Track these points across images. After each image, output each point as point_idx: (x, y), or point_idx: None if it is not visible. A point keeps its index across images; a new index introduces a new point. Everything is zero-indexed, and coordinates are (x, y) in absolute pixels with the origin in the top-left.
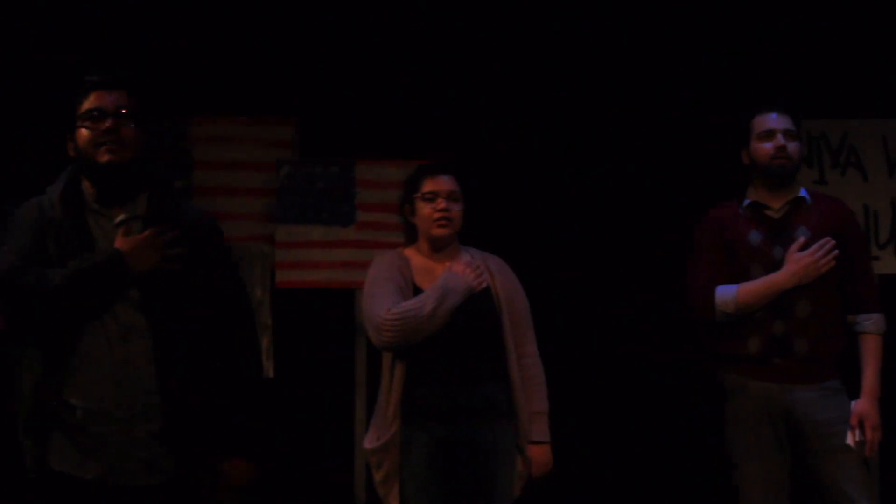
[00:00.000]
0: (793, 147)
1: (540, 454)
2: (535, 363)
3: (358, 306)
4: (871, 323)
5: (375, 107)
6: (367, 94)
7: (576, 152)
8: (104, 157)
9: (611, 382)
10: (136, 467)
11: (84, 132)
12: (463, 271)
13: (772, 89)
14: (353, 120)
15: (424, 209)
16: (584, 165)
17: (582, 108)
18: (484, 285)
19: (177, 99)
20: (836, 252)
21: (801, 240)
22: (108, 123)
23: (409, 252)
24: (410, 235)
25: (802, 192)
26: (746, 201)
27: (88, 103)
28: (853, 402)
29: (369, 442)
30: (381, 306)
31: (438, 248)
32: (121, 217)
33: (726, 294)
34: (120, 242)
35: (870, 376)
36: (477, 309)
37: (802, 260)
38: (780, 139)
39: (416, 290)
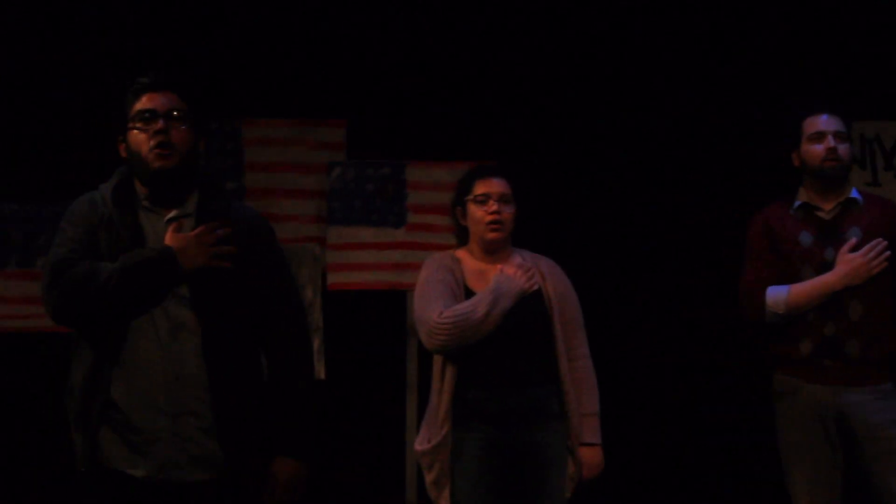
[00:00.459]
0: (843, 149)
1: (591, 456)
2: (586, 365)
3: (409, 308)
4: None
5: (426, 108)
6: (419, 95)
7: (627, 154)
8: (156, 163)
9: (662, 384)
10: (185, 463)
11: (136, 133)
12: (515, 274)
13: (823, 91)
14: (404, 122)
15: (476, 212)
16: (635, 167)
17: (633, 111)
18: (535, 287)
19: (229, 101)
20: (888, 253)
21: (853, 241)
22: (159, 125)
23: (461, 254)
24: (462, 237)
25: (854, 194)
26: (797, 203)
27: (140, 105)
28: None
29: (420, 444)
30: (434, 309)
31: (490, 250)
32: (172, 214)
33: (777, 295)
34: (170, 239)
35: None
36: (529, 311)
37: (854, 261)
38: (830, 141)
39: (468, 293)
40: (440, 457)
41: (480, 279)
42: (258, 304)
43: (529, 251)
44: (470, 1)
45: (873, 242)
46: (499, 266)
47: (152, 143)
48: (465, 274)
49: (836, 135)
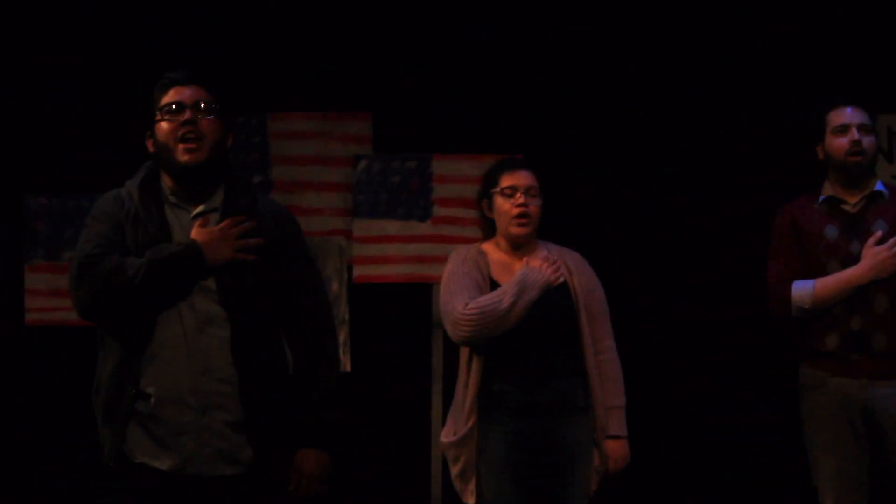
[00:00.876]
0: (868, 142)
1: (617, 449)
2: (612, 358)
3: (434, 301)
4: None
5: (452, 101)
6: (445, 88)
7: (652, 147)
8: (183, 157)
9: (688, 377)
10: (212, 457)
11: (163, 125)
12: (541, 266)
13: (848, 83)
14: (430, 115)
15: (503, 204)
16: (660, 160)
17: (658, 104)
18: (561, 280)
19: (255, 95)
20: None
21: (878, 234)
22: (186, 115)
23: (487, 247)
24: (488, 230)
25: (879, 187)
26: (822, 196)
27: (167, 98)
28: None
29: (446, 436)
30: (459, 301)
31: (516, 244)
32: (198, 209)
33: (802, 289)
34: (196, 234)
35: None
36: (554, 304)
37: (880, 254)
38: (854, 134)
39: (494, 285)
40: (466, 449)
41: (506, 272)
42: (284, 298)
43: (555, 244)
44: None
45: None
46: (525, 259)
47: (180, 133)
48: (490, 267)
49: (861, 127)
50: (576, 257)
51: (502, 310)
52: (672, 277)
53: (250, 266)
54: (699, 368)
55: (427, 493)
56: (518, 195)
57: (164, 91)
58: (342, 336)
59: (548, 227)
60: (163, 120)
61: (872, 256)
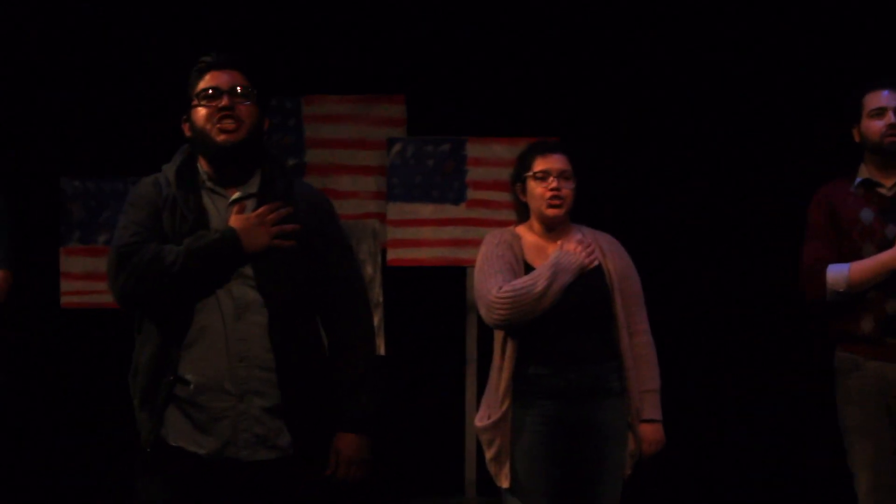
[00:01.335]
0: None
1: (651, 432)
2: (646, 341)
3: (469, 284)
4: None
5: (487, 84)
6: (478, 71)
7: (686, 130)
8: (220, 137)
9: (722, 361)
10: (250, 442)
11: (200, 111)
12: (575, 249)
13: (885, 66)
14: (465, 97)
15: (536, 188)
16: (694, 143)
17: (692, 86)
18: (595, 263)
19: (289, 78)
20: None
21: None
22: (223, 101)
23: (521, 230)
24: (521, 214)
25: None
26: (858, 179)
27: (204, 83)
28: None
29: (480, 420)
30: (493, 284)
31: (550, 227)
32: (235, 195)
33: (837, 273)
34: (234, 220)
35: None
36: (588, 287)
37: None
38: (891, 116)
39: (528, 269)
40: (500, 433)
41: (540, 255)
42: (320, 283)
43: (589, 227)
44: None
45: None
46: (559, 242)
47: (216, 118)
48: (524, 250)
49: None
50: (610, 240)
51: (536, 293)
52: (706, 260)
53: (287, 252)
54: (734, 352)
55: (461, 477)
56: (551, 179)
57: (201, 76)
58: (376, 319)
59: (582, 210)
60: (199, 105)
61: None
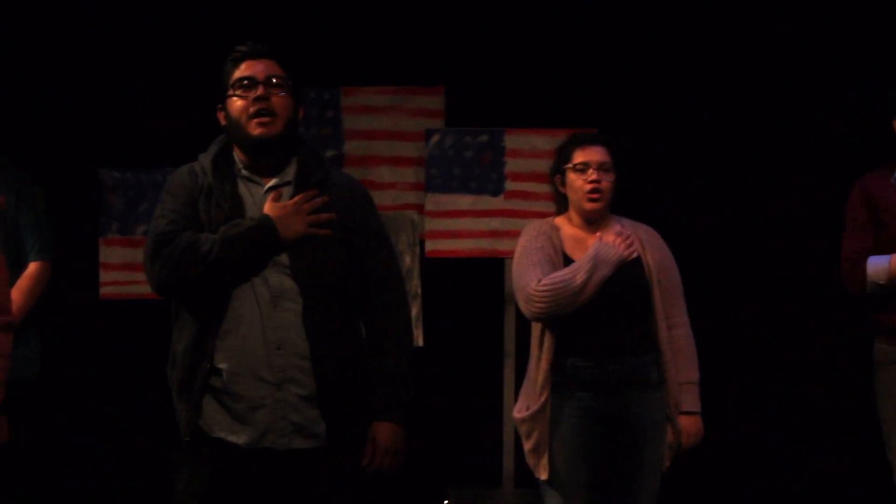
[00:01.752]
0: None
1: (690, 424)
2: (685, 333)
3: (507, 276)
4: None
5: (525, 75)
6: (517, 62)
7: (726, 122)
8: (256, 131)
9: (761, 353)
10: (287, 431)
11: (235, 101)
12: (614, 241)
13: None
14: (503, 89)
15: (576, 180)
16: (733, 135)
17: (731, 77)
18: (635, 255)
19: (327, 69)
20: None
21: None
22: (259, 91)
23: (560, 222)
24: (561, 205)
25: None
26: None
27: (239, 72)
28: None
29: (519, 411)
30: (532, 277)
31: (589, 219)
32: (271, 183)
33: (878, 265)
34: (269, 209)
35: None
36: (628, 279)
37: None
38: None
39: (567, 261)
40: (538, 424)
41: (579, 247)
42: (357, 272)
43: (629, 219)
44: None
45: None
46: (598, 234)
47: (252, 109)
48: (563, 242)
49: None
50: (649, 232)
51: (575, 286)
52: (745, 253)
53: (323, 240)
54: (772, 344)
55: (499, 468)
56: (591, 171)
57: (236, 65)
58: (414, 311)
59: (622, 202)
60: (234, 95)
61: None
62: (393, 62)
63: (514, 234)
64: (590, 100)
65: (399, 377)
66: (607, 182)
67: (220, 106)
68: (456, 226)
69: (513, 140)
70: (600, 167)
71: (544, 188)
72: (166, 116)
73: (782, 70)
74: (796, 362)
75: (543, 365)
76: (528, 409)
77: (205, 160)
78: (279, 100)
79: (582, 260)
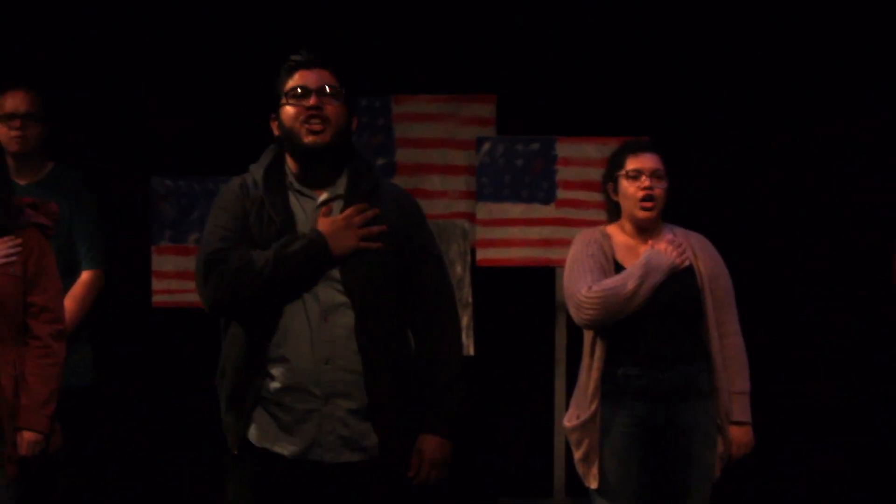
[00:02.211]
0: None
1: (741, 435)
2: (737, 343)
3: (558, 284)
4: None
5: (577, 83)
6: (569, 70)
7: (781, 128)
8: (308, 139)
9: (813, 361)
10: (336, 444)
11: (289, 109)
12: (666, 249)
13: None
14: (554, 96)
15: (628, 188)
16: (790, 141)
17: (788, 83)
18: (687, 263)
19: (379, 77)
20: None
21: None
22: (312, 101)
23: (612, 230)
24: (612, 213)
25: None
26: None
27: (293, 82)
28: None
29: (569, 420)
30: (583, 284)
31: (641, 227)
32: (323, 197)
33: None
34: (321, 224)
35: None
36: (679, 287)
37: None
38: None
39: (618, 269)
40: (589, 433)
41: (631, 255)
42: (407, 284)
43: (681, 227)
44: None
45: None
46: (649, 242)
47: (304, 118)
48: (615, 250)
49: None
50: (701, 240)
51: (626, 293)
52: (798, 260)
53: (373, 253)
54: (825, 353)
55: (550, 477)
56: (643, 178)
57: (290, 74)
58: (465, 319)
59: (674, 209)
60: (288, 104)
61: None
62: (444, 70)
63: (566, 243)
64: (642, 107)
65: (448, 390)
66: (660, 189)
67: (273, 115)
68: (507, 234)
69: (564, 148)
70: (653, 174)
71: (596, 196)
72: (218, 124)
73: (837, 78)
74: (849, 372)
75: (594, 374)
76: (578, 417)
77: (256, 172)
78: (332, 109)
79: (633, 267)
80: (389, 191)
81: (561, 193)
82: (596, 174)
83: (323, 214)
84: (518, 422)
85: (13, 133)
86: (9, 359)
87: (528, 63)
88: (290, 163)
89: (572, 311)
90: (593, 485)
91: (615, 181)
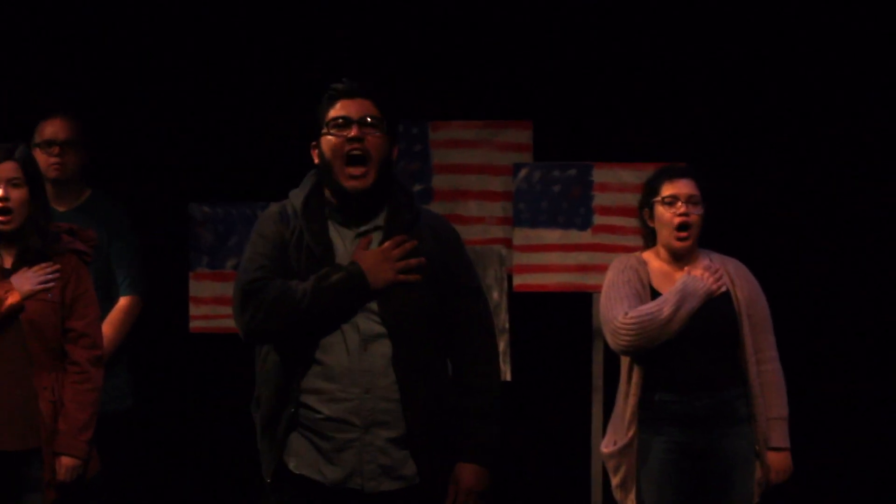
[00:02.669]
0: None
1: (779, 461)
2: (774, 368)
3: (595, 310)
4: None
5: (613, 109)
6: (605, 96)
7: (819, 154)
8: (348, 183)
9: (852, 388)
10: (375, 473)
11: (329, 140)
12: (702, 275)
13: None
14: (591, 123)
15: (664, 214)
16: (828, 167)
17: (827, 110)
18: (723, 289)
19: (416, 104)
20: None
21: None
22: (353, 132)
23: (648, 256)
24: (648, 239)
25: None
26: None
27: (334, 111)
28: None
29: (606, 446)
30: (619, 310)
31: (678, 253)
32: (361, 229)
33: None
34: (360, 256)
35: None
36: (716, 313)
37: None
38: None
39: (654, 294)
40: (626, 459)
41: (667, 281)
42: (445, 313)
43: (717, 252)
44: (655, 3)
45: None
46: (686, 268)
47: (346, 150)
48: (651, 276)
49: None
50: (738, 266)
51: (662, 319)
52: (837, 285)
53: (411, 284)
54: (863, 379)
55: (587, 503)
56: (679, 204)
57: (331, 104)
58: (502, 345)
59: (711, 235)
60: (329, 133)
61: None
62: (482, 96)
63: (603, 269)
64: (678, 133)
65: (485, 418)
66: (696, 216)
67: (314, 143)
68: (544, 260)
69: (601, 174)
70: (689, 200)
71: (632, 222)
72: (257, 151)
73: (875, 107)
74: (890, 399)
75: (631, 400)
76: (615, 443)
77: (296, 200)
78: (373, 140)
79: (669, 293)
80: (428, 220)
81: (598, 219)
82: (632, 200)
83: (362, 246)
84: (555, 448)
85: (52, 160)
86: (47, 384)
87: (564, 89)
88: (329, 193)
89: (609, 338)
90: None
91: (651, 207)
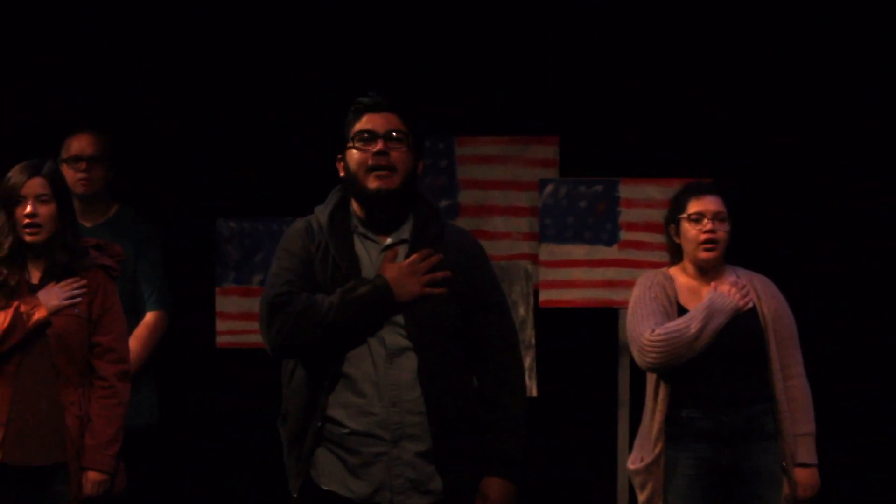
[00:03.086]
0: None
1: (806, 477)
2: (801, 384)
3: (621, 326)
4: None
5: (639, 125)
6: (631, 112)
7: (845, 169)
8: (373, 184)
9: (881, 403)
10: (404, 487)
11: (355, 153)
12: (729, 291)
13: None
14: (617, 138)
15: (690, 230)
16: (855, 182)
17: (853, 124)
18: (750, 305)
19: (442, 119)
20: None
21: None
22: (378, 146)
23: (674, 272)
24: (675, 255)
25: None
26: None
27: (360, 125)
28: None
29: (633, 462)
30: (646, 327)
31: (704, 269)
32: (387, 242)
33: None
34: (386, 270)
35: None
36: (743, 329)
37: None
38: None
39: (681, 311)
40: (653, 476)
41: (694, 297)
42: (471, 328)
43: (744, 268)
44: (682, 19)
45: None
46: (712, 284)
47: (371, 162)
48: (678, 292)
49: None
50: (765, 282)
51: (689, 336)
52: (864, 301)
53: (437, 298)
54: (892, 396)
55: None
56: (706, 221)
57: (357, 117)
58: (528, 361)
59: (737, 251)
60: (354, 147)
61: None
62: (507, 112)
63: (629, 284)
64: (704, 149)
65: (512, 432)
66: (722, 232)
67: (339, 157)
68: (570, 276)
69: (627, 190)
70: (715, 217)
71: (659, 238)
72: (283, 166)
73: None
74: None
75: (658, 416)
76: (642, 460)
77: (322, 215)
78: (399, 154)
79: (696, 309)
80: (454, 235)
81: (624, 235)
82: (659, 216)
83: (388, 260)
84: (581, 464)
85: (79, 175)
86: (74, 399)
87: (590, 105)
88: (356, 206)
89: (636, 355)
90: None
91: (677, 224)
